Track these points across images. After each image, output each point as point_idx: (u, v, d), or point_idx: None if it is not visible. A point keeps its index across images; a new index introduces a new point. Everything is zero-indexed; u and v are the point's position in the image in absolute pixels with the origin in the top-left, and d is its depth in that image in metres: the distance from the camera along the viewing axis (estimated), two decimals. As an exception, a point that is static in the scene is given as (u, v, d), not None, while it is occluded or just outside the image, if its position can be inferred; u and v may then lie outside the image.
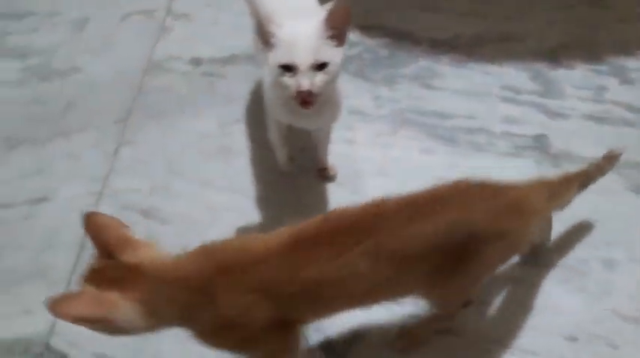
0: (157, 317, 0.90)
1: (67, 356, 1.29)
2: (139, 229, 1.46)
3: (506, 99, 1.66)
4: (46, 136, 1.66)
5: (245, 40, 1.75)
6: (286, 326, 1.01)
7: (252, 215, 1.49)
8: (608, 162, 1.28)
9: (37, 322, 1.24)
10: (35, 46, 1.88)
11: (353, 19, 1.10)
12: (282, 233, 0.98)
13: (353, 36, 1.78)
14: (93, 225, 0.92)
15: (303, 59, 1.06)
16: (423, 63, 1.74)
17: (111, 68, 1.80)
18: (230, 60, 1.79)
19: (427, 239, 0.96)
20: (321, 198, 1.52)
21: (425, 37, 1.80)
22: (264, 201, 1.52)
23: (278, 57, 1.09)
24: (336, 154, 1.54)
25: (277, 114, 1.32)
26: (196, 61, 1.80)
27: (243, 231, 1.46)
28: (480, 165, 1.53)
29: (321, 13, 1.32)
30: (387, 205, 1.00)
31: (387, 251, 0.95)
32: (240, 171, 1.57)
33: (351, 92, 1.66)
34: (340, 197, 1.51)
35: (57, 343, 1.30)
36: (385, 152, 1.58)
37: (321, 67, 1.08)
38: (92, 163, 1.60)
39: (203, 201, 1.52)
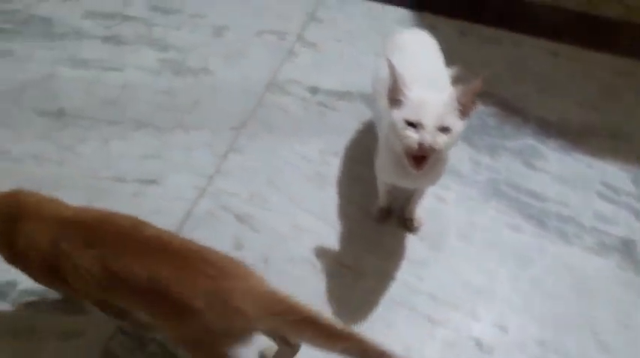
0: None
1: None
2: (230, 230, 1.60)
3: (602, 196, 1.67)
4: (168, 126, 1.82)
5: (363, 79, 1.86)
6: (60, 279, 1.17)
7: (331, 243, 1.58)
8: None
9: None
10: (175, 42, 2.06)
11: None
12: (79, 211, 1.18)
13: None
14: None
15: (430, 119, 1.16)
16: (528, 141, 1.78)
17: (238, 77, 1.96)
18: (345, 95, 1.90)
19: (133, 277, 1.07)
20: (399, 246, 1.58)
21: (535, 115, 1.84)
22: (346, 233, 1.60)
23: (405, 113, 1.18)
24: (424, 208, 1.60)
25: (385, 175, 1.42)
26: (314, 90, 1.92)
27: (320, 255, 1.55)
28: (562, 254, 1.55)
29: (448, 83, 1.42)
30: (140, 231, 1.12)
31: (108, 267, 1.08)
32: (329, 200, 1.67)
33: (453, 153, 1.71)
34: (418, 249, 1.57)
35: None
36: (473, 218, 1.62)
37: (443, 130, 1.17)
38: (202, 160, 1.74)
39: (291, 219, 1.63)
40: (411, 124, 1.17)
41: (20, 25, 2.12)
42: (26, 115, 1.84)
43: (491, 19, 2.10)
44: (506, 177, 1.70)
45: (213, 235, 1.58)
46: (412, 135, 1.17)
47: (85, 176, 1.70)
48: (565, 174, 1.71)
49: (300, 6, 2.18)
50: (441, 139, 1.17)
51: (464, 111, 1.19)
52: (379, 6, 2.17)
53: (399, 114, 1.19)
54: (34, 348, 1.38)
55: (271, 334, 1.22)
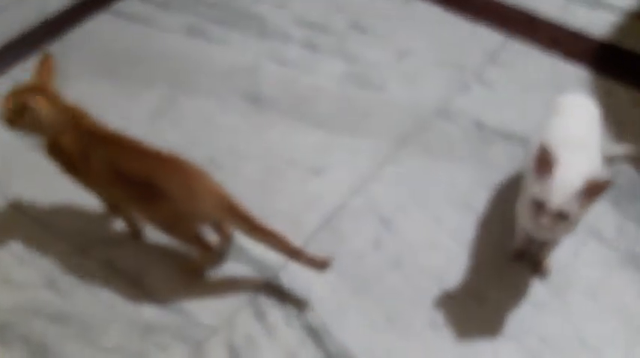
0: (37, 123, 1.53)
1: (284, 291, 1.69)
2: (369, 229, 1.82)
3: None
4: (339, 128, 2.09)
5: (528, 127, 1.97)
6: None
7: (460, 267, 1.71)
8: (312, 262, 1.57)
9: (274, 256, 1.64)
10: (364, 57, 2.32)
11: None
12: (107, 129, 1.59)
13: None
14: (45, 61, 1.59)
15: (554, 207, 1.27)
16: (685, 222, 1.75)
17: (410, 99, 2.16)
18: (508, 137, 2.01)
19: (131, 171, 1.50)
20: (524, 286, 1.66)
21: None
22: (477, 261, 1.72)
23: (536, 190, 1.31)
24: (558, 259, 1.67)
25: (522, 220, 1.53)
26: (480, 125, 2.05)
27: (447, 275, 1.70)
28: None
29: (597, 156, 1.47)
30: (139, 144, 1.55)
31: (110, 164, 1.51)
32: (469, 227, 1.80)
33: (600, 210, 1.76)
34: (541, 294, 1.64)
35: (285, 277, 1.70)
36: (602, 281, 1.66)
37: (562, 216, 1.28)
38: (362, 165, 1.98)
39: (428, 234, 1.79)
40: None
41: (240, 19, 2.53)
42: (231, 94, 2.22)
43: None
44: (649, 251, 1.70)
45: (357, 229, 1.81)
46: (531, 216, 1.32)
47: (265, 154, 2.03)
48: None
49: (484, 46, 2.32)
50: (559, 228, 1.31)
51: (589, 200, 1.27)
52: (561, 62, 2.24)
53: (532, 187, 1.32)
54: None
55: (215, 223, 1.68)
